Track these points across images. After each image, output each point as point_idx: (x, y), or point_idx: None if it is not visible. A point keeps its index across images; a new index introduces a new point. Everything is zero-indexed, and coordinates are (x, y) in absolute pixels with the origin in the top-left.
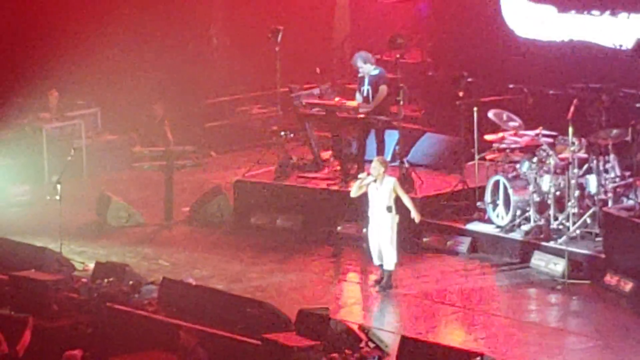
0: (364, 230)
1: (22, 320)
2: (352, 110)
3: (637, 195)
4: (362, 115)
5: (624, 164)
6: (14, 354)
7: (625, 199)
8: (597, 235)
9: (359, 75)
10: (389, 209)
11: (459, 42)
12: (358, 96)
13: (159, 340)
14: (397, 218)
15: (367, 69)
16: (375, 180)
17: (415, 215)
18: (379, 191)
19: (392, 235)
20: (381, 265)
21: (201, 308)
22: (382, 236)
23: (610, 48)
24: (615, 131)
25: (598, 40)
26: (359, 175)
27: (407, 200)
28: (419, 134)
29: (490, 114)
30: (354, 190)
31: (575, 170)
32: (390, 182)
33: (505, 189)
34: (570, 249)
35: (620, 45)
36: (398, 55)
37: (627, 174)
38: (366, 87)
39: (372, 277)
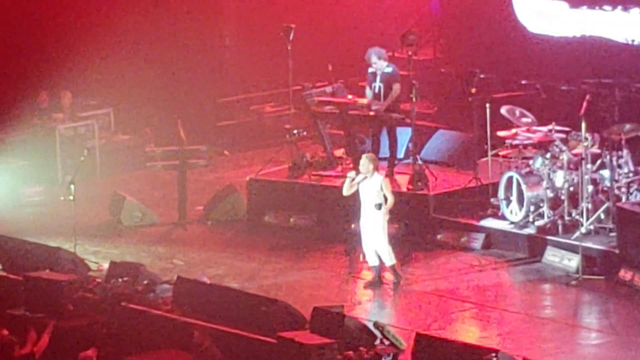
0: (352, 225)
1: (42, 323)
2: (364, 107)
3: None
4: (374, 113)
5: (637, 159)
6: (30, 356)
7: (638, 194)
8: (611, 230)
9: (370, 70)
10: (378, 206)
11: (471, 39)
12: (368, 92)
13: (173, 339)
14: (387, 216)
15: (381, 65)
16: (365, 178)
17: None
18: (368, 188)
19: (384, 233)
20: (374, 267)
21: (216, 307)
22: (374, 234)
23: (623, 43)
24: (628, 126)
25: (610, 36)
26: (348, 174)
27: (389, 201)
28: (432, 131)
29: (503, 110)
30: (346, 189)
31: (589, 166)
32: (379, 179)
33: (519, 185)
34: (584, 244)
35: (633, 40)
36: (410, 53)
37: None
38: (378, 84)
39: (387, 275)
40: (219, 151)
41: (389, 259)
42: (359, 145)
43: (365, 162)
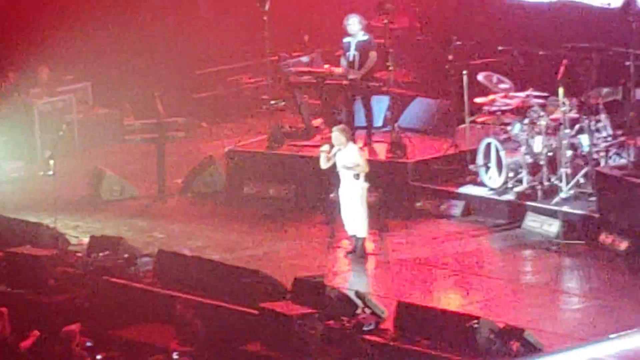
0: (331, 195)
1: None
2: (341, 77)
3: (630, 153)
4: (350, 82)
5: (615, 123)
6: (15, 348)
7: (617, 158)
8: (590, 195)
9: (345, 40)
10: (356, 176)
11: (447, 6)
12: (343, 61)
13: (156, 312)
14: (366, 185)
15: (356, 30)
16: (339, 150)
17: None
18: (344, 160)
19: (363, 203)
20: (354, 236)
21: (197, 279)
22: (353, 204)
23: (599, 7)
24: (605, 90)
25: (586, 0)
26: (321, 148)
27: (361, 169)
28: (409, 99)
29: (480, 77)
30: (323, 162)
31: (567, 131)
32: (353, 149)
33: (497, 151)
34: (564, 209)
35: (609, 4)
36: (386, 21)
37: (619, 132)
38: (353, 52)
39: (368, 244)
40: (197, 123)
41: (363, 231)
42: (337, 114)
43: (337, 135)
